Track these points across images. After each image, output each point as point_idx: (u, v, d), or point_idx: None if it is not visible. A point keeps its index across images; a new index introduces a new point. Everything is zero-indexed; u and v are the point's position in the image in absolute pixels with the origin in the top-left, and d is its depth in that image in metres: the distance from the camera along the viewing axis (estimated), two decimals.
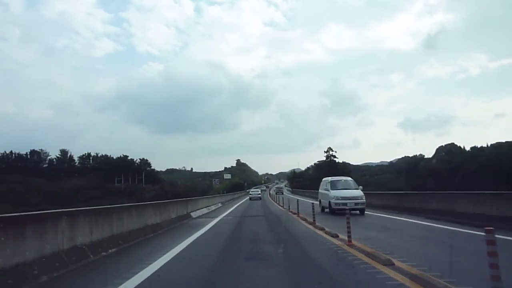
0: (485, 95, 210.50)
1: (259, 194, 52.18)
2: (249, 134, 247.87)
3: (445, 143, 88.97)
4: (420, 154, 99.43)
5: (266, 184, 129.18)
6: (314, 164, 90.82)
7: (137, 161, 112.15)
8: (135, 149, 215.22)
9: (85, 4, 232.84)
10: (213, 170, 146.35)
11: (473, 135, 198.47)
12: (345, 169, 73.42)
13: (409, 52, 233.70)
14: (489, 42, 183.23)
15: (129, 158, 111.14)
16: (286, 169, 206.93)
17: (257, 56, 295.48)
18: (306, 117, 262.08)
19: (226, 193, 57.49)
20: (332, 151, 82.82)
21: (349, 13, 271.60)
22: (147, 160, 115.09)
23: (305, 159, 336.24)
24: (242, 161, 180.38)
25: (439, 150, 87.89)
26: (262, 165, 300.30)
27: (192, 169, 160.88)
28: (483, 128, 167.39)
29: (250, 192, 56.20)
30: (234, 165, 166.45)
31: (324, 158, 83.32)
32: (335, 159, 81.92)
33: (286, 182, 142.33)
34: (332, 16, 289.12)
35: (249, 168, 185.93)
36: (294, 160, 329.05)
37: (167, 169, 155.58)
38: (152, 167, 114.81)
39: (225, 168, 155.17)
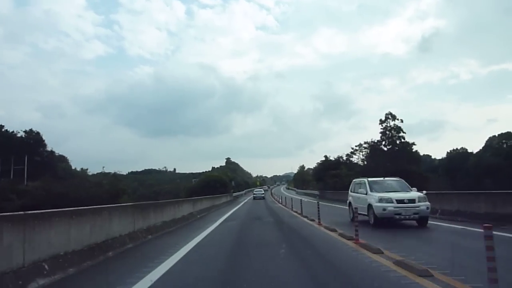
0: (476, 100, 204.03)
1: (263, 194, 55.04)
2: (241, 137, 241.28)
3: (498, 133, 67.82)
4: (462, 148, 75.26)
5: (268, 185, 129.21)
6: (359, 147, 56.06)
7: (20, 135, 66.79)
8: (127, 151, 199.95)
9: (75, 5, 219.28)
10: (199, 171, 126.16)
11: (466, 140, 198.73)
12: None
13: (401, 57, 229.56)
14: (480, 48, 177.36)
15: (5, 129, 65.80)
16: (281, 172, 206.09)
17: (250, 59, 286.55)
18: (298, 121, 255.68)
19: (194, 197, 28.99)
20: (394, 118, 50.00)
21: (341, 17, 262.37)
22: (38, 134, 68.10)
23: (298, 164, 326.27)
24: (232, 160, 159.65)
25: (491, 140, 67.26)
26: (255, 168, 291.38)
27: (175, 169, 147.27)
28: (476, 133, 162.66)
29: (254, 192, 58.02)
30: (224, 164, 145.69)
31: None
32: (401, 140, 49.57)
33: (286, 184, 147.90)
34: (324, 20, 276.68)
35: (241, 168, 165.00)
36: (287, 164, 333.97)
37: (145, 169, 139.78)
38: (50, 149, 69.50)
39: (213, 168, 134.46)
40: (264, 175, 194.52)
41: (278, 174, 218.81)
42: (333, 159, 57.64)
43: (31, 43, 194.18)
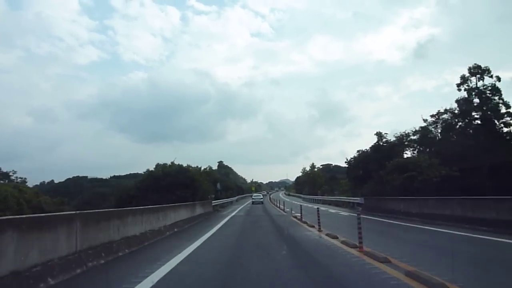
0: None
1: (261, 198, 57.47)
2: (236, 144, 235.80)
3: None
4: None
5: (267, 191, 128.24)
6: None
7: None
8: (120, 156, 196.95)
9: (69, 10, 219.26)
10: None
11: None
12: None
13: (395, 65, 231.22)
14: (473, 56, 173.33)
15: None
16: (276, 179, 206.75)
17: (245, 66, 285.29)
18: (294, 128, 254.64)
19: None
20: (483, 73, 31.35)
21: (336, 25, 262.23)
22: None
23: (293, 171, 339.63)
24: (225, 163, 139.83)
25: None
26: (250, 175, 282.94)
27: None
28: None
29: (253, 197, 59.33)
30: (215, 168, 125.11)
31: None
32: None
33: (284, 190, 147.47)
34: (319, 28, 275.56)
35: (235, 173, 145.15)
36: (282, 171, 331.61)
37: (130, 173, 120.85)
38: None
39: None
40: (259, 181, 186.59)
41: (274, 180, 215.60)
42: (394, 138, 33.51)
43: (23, 46, 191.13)
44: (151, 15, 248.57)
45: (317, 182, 77.44)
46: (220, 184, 44.23)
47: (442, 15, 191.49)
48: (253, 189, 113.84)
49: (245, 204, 49.16)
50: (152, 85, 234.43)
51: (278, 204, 39.79)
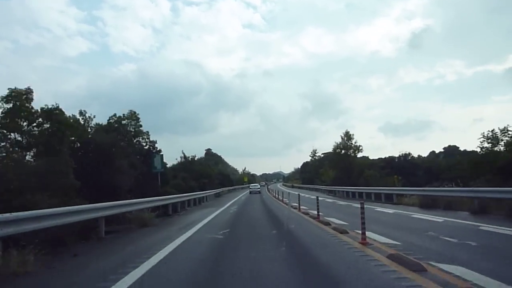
0: (462, 101, 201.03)
1: (259, 188, 58.92)
2: (229, 136, 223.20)
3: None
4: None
5: (265, 182, 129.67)
6: None
7: None
8: None
9: (57, 1, 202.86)
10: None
11: (452, 140, 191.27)
12: None
13: (388, 57, 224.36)
14: (465, 48, 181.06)
15: None
16: (269, 171, 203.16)
17: (237, 58, 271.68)
18: (286, 120, 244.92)
19: None
20: None
21: (329, 17, 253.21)
22: None
23: (286, 163, 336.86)
24: (214, 151, 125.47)
25: None
26: (243, 167, 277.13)
27: None
28: (462, 133, 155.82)
29: (250, 187, 60.94)
30: (203, 155, 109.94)
31: None
32: None
33: (282, 181, 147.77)
34: (312, 19, 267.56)
35: (226, 162, 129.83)
36: (275, 164, 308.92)
37: None
38: None
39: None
40: (253, 173, 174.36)
41: (268, 173, 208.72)
42: None
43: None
44: (141, 6, 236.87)
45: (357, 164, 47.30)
46: (160, 158, 25.09)
47: (435, 6, 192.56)
48: (246, 179, 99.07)
49: (233, 201, 32.35)
50: (143, 76, 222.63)
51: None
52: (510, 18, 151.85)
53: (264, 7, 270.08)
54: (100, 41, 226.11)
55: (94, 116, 20.67)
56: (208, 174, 51.36)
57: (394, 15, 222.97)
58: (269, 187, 79.13)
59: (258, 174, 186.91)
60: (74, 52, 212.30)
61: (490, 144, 19.02)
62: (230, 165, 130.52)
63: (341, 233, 9.63)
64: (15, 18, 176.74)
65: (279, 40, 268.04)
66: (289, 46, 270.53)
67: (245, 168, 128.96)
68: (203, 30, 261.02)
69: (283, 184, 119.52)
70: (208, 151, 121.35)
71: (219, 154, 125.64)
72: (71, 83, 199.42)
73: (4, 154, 12.72)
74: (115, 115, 23.78)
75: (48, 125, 13.72)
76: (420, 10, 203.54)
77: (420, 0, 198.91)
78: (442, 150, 67.90)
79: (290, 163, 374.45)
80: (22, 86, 13.66)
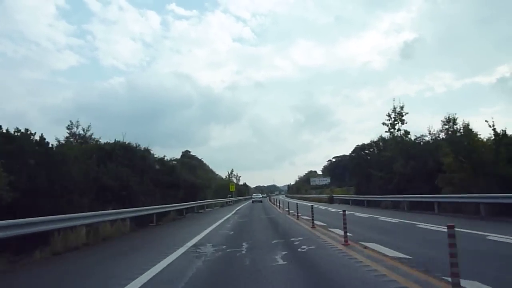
0: (451, 113, 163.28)
1: (261, 198, 63.50)
2: (220, 149, 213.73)
3: None
4: None
5: (267, 193, 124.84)
6: None
7: None
8: None
9: (46, 15, 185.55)
10: None
11: None
12: None
13: (378, 70, 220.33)
14: (454, 61, 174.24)
15: None
16: (264, 184, 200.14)
17: (228, 71, 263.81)
18: (279, 133, 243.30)
19: None
20: None
21: (319, 30, 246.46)
22: None
23: (279, 176, 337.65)
24: (193, 154, 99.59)
25: None
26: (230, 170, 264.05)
27: None
28: None
29: (253, 196, 63.37)
30: (178, 157, 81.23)
31: None
32: None
33: (284, 194, 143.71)
34: (302, 32, 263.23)
35: (210, 168, 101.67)
36: (269, 177, 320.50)
37: None
38: None
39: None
40: (246, 184, 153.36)
41: (262, 185, 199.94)
42: None
43: None
44: (131, 20, 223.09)
45: None
46: None
47: (424, 19, 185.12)
48: (233, 188, 71.02)
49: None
50: (132, 89, 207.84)
51: None
52: (498, 29, 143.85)
53: (254, 20, 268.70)
54: (89, 55, 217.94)
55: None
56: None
57: (383, 28, 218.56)
58: (271, 198, 70.00)
59: (252, 186, 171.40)
60: (63, 66, 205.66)
61: None
62: (218, 175, 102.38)
63: None
64: (2, 31, 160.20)
65: (270, 53, 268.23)
66: (280, 59, 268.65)
67: (232, 171, 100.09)
68: (193, 44, 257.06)
69: (286, 196, 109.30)
70: (186, 153, 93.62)
71: (199, 158, 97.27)
72: (58, 96, 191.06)
73: None
74: None
75: None
76: (408, 23, 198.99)
77: (409, 13, 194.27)
78: None
79: (283, 176, 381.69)
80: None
